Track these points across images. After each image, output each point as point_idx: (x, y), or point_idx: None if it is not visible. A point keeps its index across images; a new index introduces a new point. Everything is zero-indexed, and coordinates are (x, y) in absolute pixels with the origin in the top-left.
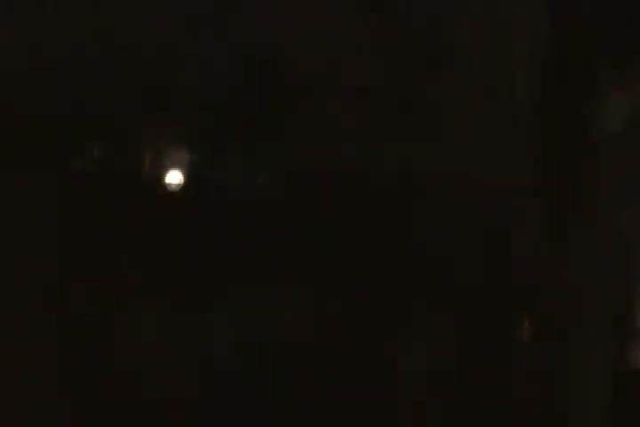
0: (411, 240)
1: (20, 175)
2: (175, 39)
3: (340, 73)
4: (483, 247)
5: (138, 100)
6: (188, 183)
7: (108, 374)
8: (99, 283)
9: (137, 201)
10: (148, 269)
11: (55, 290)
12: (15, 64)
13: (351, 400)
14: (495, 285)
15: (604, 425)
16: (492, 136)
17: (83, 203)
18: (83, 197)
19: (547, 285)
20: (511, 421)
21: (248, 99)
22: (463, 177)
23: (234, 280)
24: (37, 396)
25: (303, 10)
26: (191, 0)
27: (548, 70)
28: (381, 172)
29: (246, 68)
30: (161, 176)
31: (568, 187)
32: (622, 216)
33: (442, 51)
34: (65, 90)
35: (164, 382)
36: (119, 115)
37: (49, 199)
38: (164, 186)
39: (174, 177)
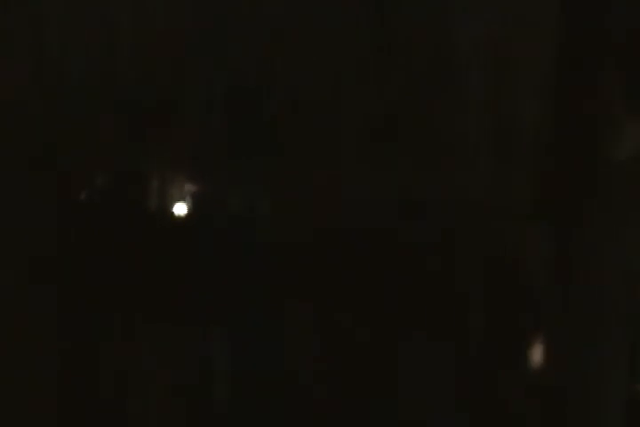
0: (412, 262)
1: (23, 202)
2: (176, 62)
3: (340, 97)
4: (489, 269)
5: (139, 124)
6: (190, 210)
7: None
8: (99, 310)
9: (139, 228)
10: (150, 295)
11: (56, 317)
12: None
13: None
14: (503, 305)
15: None
16: (502, 158)
17: (86, 230)
18: (86, 224)
19: (559, 309)
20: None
21: (249, 123)
22: (467, 199)
23: (236, 304)
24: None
25: (304, 31)
26: (195, 19)
27: (561, 92)
28: (381, 194)
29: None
30: (164, 204)
31: (580, 208)
32: (634, 240)
33: (447, 74)
34: (69, 119)
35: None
36: (121, 141)
37: (51, 227)
38: (166, 214)
39: (177, 206)
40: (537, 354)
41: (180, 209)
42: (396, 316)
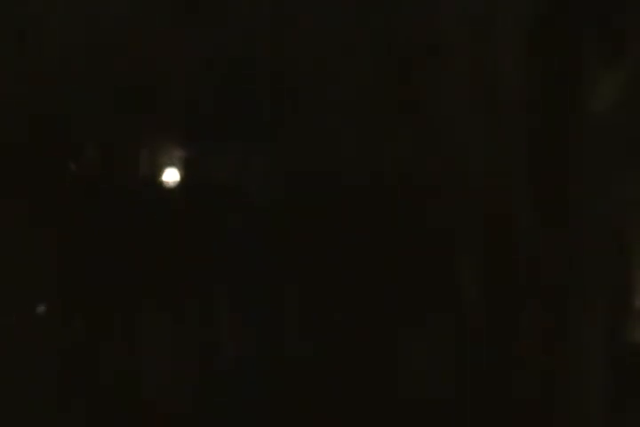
0: (411, 237)
1: (17, 178)
2: (170, 36)
3: (337, 73)
4: (483, 239)
5: (133, 99)
6: (185, 184)
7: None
8: (96, 283)
9: (134, 202)
10: (144, 269)
11: (54, 296)
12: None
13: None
14: (497, 263)
15: (603, 402)
16: (482, 120)
17: (80, 204)
18: (80, 198)
19: (546, 262)
20: (511, 399)
21: (247, 98)
22: (456, 167)
23: (231, 280)
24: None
25: (301, 9)
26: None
27: (536, 51)
28: (379, 171)
29: (244, 67)
30: (157, 177)
31: (561, 167)
32: (618, 194)
33: (431, 39)
34: (58, 93)
35: (163, 391)
36: (112, 115)
37: (48, 201)
38: (160, 187)
39: (171, 177)
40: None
41: (173, 181)
42: (397, 288)
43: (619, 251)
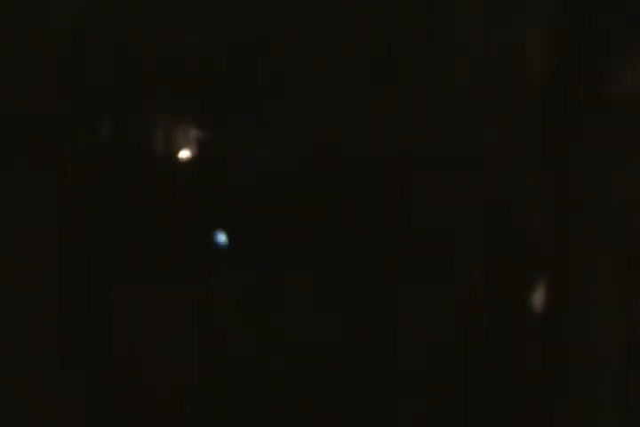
0: (412, 216)
1: (23, 155)
2: (177, 13)
3: (341, 48)
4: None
5: (143, 76)
6: (194, 161)
7: (107, 362)
8: (99, 263)
9: (142, 178)
10: (150, 249)
11: (55, 269)
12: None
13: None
14: (503, 251)
15: (618, 395)
16: (502, 105)
17: (88, 181)
18: (88, 174)
19: (560, 254)
20: (522, 391)
21: (249, 75)
22: (471, 148)
23: (237, 259)
24: (37, 379)
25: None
26: None
27: (561, 33)
28: (383, 148)
29: (246, 46)
30: (168, 154)
31: (581, 151)
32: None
33: (448, 20)
34: (69, 68)
35: (163, 369)
36: (122, 92)
37: (52, 178)
38: (170, 164)
39: (182, 155)
40: (537, 299)
41: (185, 157)
42: (396, 263)
43: (622, 249)
